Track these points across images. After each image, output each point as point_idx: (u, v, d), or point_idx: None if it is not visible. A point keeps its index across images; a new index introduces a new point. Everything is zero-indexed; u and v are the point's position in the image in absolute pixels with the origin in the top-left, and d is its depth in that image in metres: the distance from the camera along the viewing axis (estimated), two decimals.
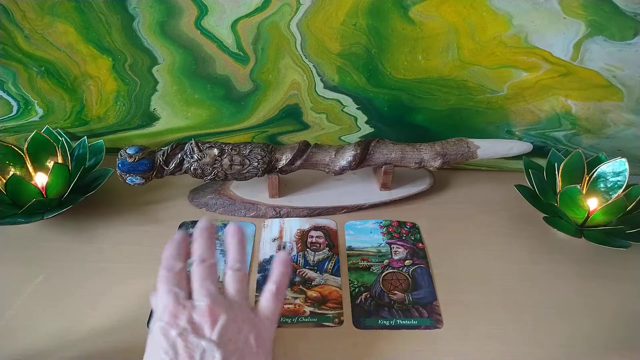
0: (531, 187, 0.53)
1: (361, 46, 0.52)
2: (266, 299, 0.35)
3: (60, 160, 0.53)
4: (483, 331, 0.42)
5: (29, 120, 0.60)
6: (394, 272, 0.48)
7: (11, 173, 0.51)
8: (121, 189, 0.56)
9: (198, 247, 0.36)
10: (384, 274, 0.48)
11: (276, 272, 0.37)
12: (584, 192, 0.51)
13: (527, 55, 0.51)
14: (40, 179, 0.52)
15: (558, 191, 0.51)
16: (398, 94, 0.56)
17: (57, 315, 0.42)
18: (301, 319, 0.43)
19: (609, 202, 0.48)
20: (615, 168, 0.51)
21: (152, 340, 0.31)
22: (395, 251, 0.50)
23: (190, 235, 0.37)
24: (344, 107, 0.58)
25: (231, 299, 0.34)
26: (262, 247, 0.50)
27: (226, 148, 0.50)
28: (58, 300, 0.44)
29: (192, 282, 0.34)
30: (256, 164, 0.51)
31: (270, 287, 0.36)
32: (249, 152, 0.51)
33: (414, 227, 0.54)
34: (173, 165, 0.50)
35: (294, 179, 0.58)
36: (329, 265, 0.48)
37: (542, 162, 0.56)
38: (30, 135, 0.53)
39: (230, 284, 0.35)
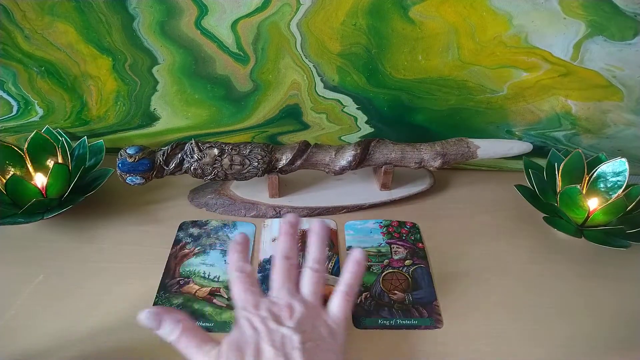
0: (531, 187, 0.53)
1: (361, 46, 0.52)
2: (337, 301, 0.36)
3: (60, 160, 0.53)
4: (483, 331, 0.42)
5: (29, 120, 0.60)
6: (394, 272, 0.48)
7: (11, 173, 0.51)
8: (121, 189, 0.56)
9: (284, 243, 0.38)
10: (384, 273, 0.48)
11: (348, 272, 0.37)
12: (584, 192, 0.51)
13: (527, 55, 0.51)
14: (40, 179, 0.52)
15: (558, 191, 0.51)
16: (398, 94, 0.56)
17: (57, 315, 0.42)
18: None
19: (609, 202, 0.48)
20: (615, 168, 0.51)
21: (237, 326, 0.33)
22: (395, 251, 0.50)
23: (245, 237, 0.38)
24: (344, 107, 0.58)
25: (305, 299, 0.35)
26: (262, 247, 0.50)
27: (226, 148, 0.50)
28: (58, 300, 0.44)
29: (273, 277, 0.36)
30: (256, 163, 0.51)
31: (341, 289, 0.36)
32: (249, 152, 0.51)
33: (414, 227, 0.54)
34: (173, 165, 0.50)
35: (294, 179, 0.58)
36: (329, 265, 0.48)
37: (542, 162, 0.56)
38: (30, 135, 0.53)
39: (307, 284, 0.36)
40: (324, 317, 0.35)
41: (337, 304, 0.36)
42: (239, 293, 0.35)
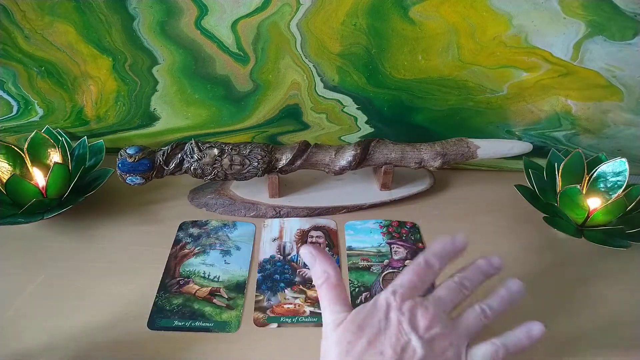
0: (531, 187, 0.53)
1: (361, 46, 0.52)
2: (485, 350, 0.32)
3: (60, 160, 0.53)
4: (483, 331, 0.42)
5: (29, 120, 0.60)
6: (394, 272, 0.48)
7: (11, 173, 0.51)
8: (121, 189, 0.56)
9: (469, 276, 0.35)
10: (384, 273, 0.48)
11: (517, 339, 0.33)
12: (584, 192, 0.51)
13: (527, 55, 0.51)
14: (40, 179, 0.52)
15: (558, 191, 0.51)
16: (398, 94, 0.56)
17: (57, 315, 0.42)
18: (301, 319, 0.43)
19: (609, 202, 0.48)
20: (615, 168, 0.51)
21: (375, 302, 0.32)
22: (395, 251, 0.50)
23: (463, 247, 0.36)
24: (344, 107, 0.58)
25: (457, 327, 0.33)
26: (262, 247, 0.50)
27: (226, 148, 0.50)
28: (58, 300, 0.44)
29: (438, 287, 0.34)
30: (256, 164, 0.51)
31: (498, 344, 0.32)
32: (249, 152, 0.51)
33: (414, 227, 0.54)
34: (173, 165, 0.50)
35: (294, 179, 0.58)
36: None
37: (542, 162, 0.56)
38: (30, 135, 0.53)
39: (468, 319, 0.33)
40: (461, 350, 0.32)
41: (483, 353, 0.32)
42: (405, 279, 0.33)
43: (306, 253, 0.35)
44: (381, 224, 0.54)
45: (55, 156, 0.54)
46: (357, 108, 0.58)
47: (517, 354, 0.33)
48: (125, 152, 0.49)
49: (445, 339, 0.31)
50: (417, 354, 0.30)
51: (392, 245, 0.51)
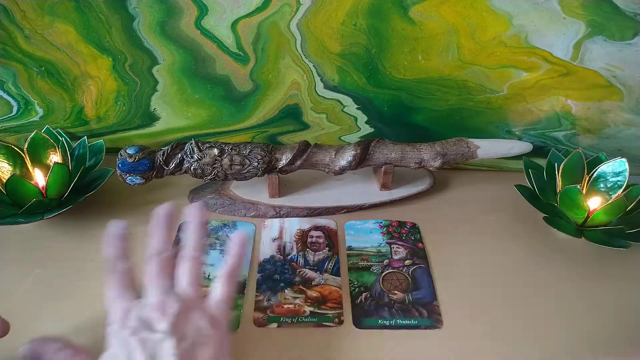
0: (531, 187, 0.53)
1: (361, 46, 0.52)
2: (218, 285, 0.34)
3: (60, 160, 0.53)
4: (483, 331, 0.42)
5: (29, 120, 0.60)
6: (393, 272, 0.48)
7: (11, 173, 0.51)
8: (121, 189, 0.56)
9: (155, 239, 0.35)
10: (384, 274, 0.48)
11: (230, 253, 0.36)
12: (584, 192, 0.51)
13: (527, 55, 0.51)
14: (40, 179, 0.52)
15: (558, 191, 0.51)
16: (398, 94, 0.56)
17: (57, 315, 0.42)
18: (301, 319, 0.43)
19: (609, 202, 0.48)
20: (615, 168, 0.51)
21: (108, 344, 0.31)
22: (395, 251, 0.50)
23: (125, 230, 0.36)
24: (344, 107, 0.58)
25: (181, 293, 0.33)
26: (262, 247, 0.50)
27: (226, 148, 0.50)
28: (58, 300, 0.44)
29: (145, 278, 0.34)
30: (256, 163, 0.51)
31: (223, 272, 0.35)
32: (249, 152, 0.51)
33: (414, 227, 0.54)
34: (173, 165, 0.50)
35: (294, 179, 0.58)
36: (329, 265, 0.48)
37: (542, 162, 0.56)
38: (30, 135, 0.53)
39: (183, 275, 0.34)
40: (203, 307, 0.33)
41: (219, 289, 0.34)
42: (110, 299, 0.32)
43: (26, 352, 0.32)
44: (381, 224, 0.54)
45: (55, 156, 0.54)
46: (357, 108, 0.58)
47: (240, 262, 0.36)
48: (125, 152, 0.49)
49: (182, 311, 0.31)
50: (169, 347, 0.29)
51: (392, 245, 0.51)
